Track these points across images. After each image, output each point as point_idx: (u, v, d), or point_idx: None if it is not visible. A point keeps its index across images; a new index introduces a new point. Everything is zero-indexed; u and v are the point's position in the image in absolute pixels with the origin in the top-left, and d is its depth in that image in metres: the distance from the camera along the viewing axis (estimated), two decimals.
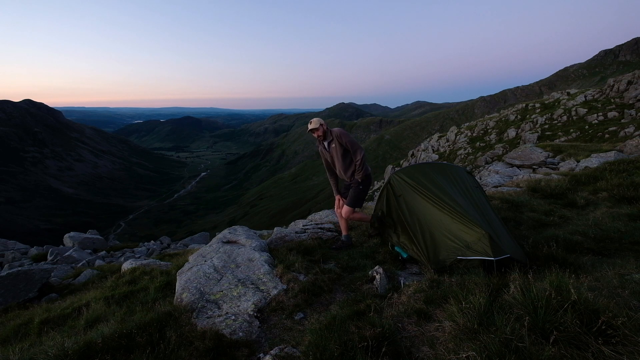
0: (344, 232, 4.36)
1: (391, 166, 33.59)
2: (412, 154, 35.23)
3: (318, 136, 4.12)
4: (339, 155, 4.06)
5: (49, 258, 9.46)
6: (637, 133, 16.36)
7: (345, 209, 4.11)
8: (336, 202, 4.39)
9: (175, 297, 3.15)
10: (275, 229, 5.60)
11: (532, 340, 1.75)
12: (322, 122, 4.09)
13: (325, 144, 4.15)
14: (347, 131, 4.10)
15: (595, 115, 21.85)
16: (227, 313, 2.79)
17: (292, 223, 6.54)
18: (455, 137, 32.37)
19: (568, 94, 29.33)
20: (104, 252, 10.65)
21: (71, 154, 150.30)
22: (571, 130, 21.65)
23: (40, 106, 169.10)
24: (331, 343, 2.06)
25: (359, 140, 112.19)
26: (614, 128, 18.83)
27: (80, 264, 8.58)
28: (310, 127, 4.10)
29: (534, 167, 11.14)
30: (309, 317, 2.71)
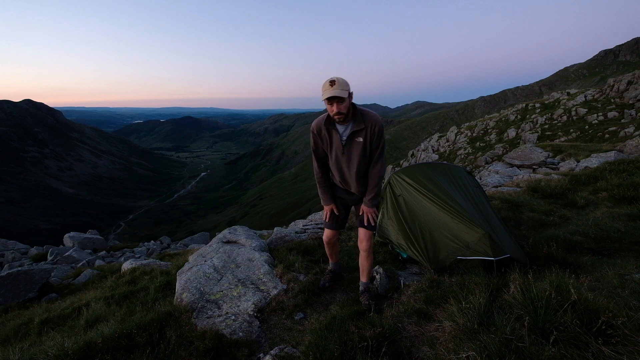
0: (332, 260, 3.18)
1: (391, 166, 33.56)
2: (412, 154, 35.22)
3: (337, 114, 2.29)
4: (359, 154, 2.46)
5: (49, 258, 9.46)
6: (637, 133, 16.37)
7: (369, 234, 2.70)
8: (327, 213, 2.83)
9: (175, 297, 3.15)
10: (275, 229, 5.59)
11: (532, 340, 1.75)
12: (350, 90, 2.30)
13: (343, 129, 2.45)
14: None
15: (595, 115, 21.86)
16: (227, 313, 2.79)
17: (292, 223, 6.53)
18: (455, 137, 32.36)
19: (568, 94, 29.34)
20: (104, 252, 10.65)
21: (71, 154, 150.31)
22: (571, 130, 21.65)
23: (40, 106, 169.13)
24: (331, 343, 2.06)
25: None
26: (614, 128, 18.84)
27: (80, 264, 8.58)
28: (331, 91, 2.18)
29: (534, 167, 11.13)
30: (309, 317, 2.71)
